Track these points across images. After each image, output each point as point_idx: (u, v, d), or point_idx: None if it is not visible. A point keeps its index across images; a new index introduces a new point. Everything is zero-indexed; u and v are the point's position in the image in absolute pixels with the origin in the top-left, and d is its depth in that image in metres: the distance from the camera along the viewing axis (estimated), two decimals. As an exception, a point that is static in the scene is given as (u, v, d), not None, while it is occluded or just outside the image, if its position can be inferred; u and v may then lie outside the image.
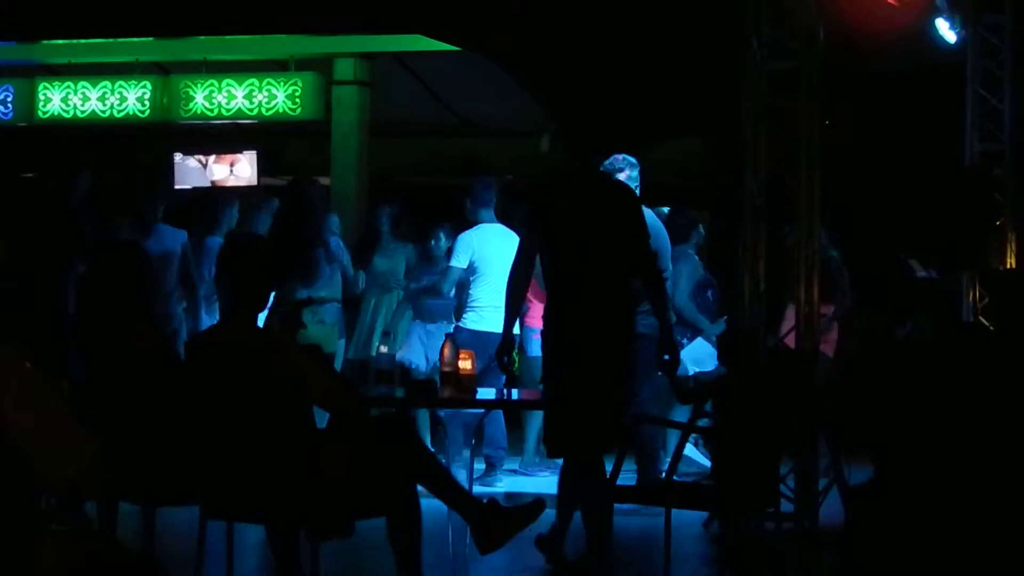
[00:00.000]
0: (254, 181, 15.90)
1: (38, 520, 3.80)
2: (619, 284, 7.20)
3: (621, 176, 8.32)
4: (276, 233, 10.37)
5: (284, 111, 14.92)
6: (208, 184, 15.67)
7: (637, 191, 8.11)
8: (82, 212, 10.25)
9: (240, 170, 15.64)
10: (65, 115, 15.52)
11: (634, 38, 14.08)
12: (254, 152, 15.74)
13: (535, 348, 9.95)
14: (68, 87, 15.52)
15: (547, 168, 8.72)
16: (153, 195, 11.06)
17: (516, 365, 10.51)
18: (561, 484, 7.67)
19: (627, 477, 8.73)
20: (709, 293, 10.76)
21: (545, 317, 7.36)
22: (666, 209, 10.89)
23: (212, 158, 15.78)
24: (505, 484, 10.48)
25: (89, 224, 10.07)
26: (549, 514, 7.88)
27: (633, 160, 8.58)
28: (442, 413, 9.22)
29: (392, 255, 11.61)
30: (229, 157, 15.78)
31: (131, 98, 15.31)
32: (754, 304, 8.79)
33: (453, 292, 10.67)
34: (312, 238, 10.29)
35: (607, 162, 8.51)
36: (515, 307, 7.56)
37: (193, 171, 15.67)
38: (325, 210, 11.30)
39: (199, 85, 15.13)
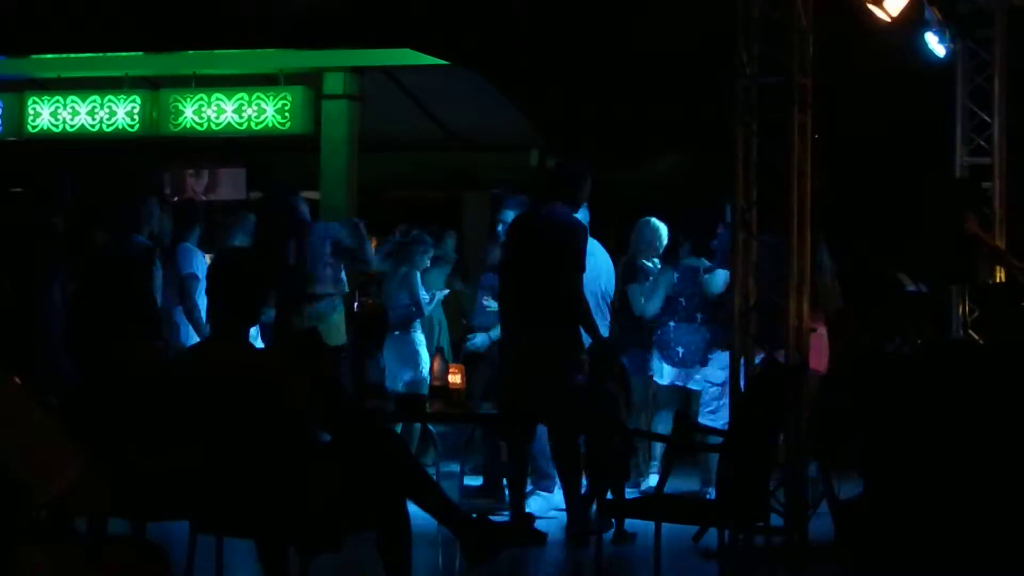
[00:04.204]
0: (243, 195, 15.90)
1: (30, 534, 3.79)
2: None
3: None
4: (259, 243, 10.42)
5: (273, 125, 14.90)
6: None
7: None
8: (68, 223, 10.23)
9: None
10: (54, 129, 15.50)
11: (626, 53, 14.10)
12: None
13: None
14: (57, 101, 15.49)
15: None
16: (134, 206, 10.97)
17: None
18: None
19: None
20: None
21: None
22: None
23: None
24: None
25: (74, 235, 10.05)
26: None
27: None
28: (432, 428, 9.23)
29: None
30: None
31: (120, 112, 15.29)
32: (745, 318, 8.79)
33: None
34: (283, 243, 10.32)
35: None
36: None
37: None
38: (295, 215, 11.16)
39: (188, 100, 15.11)
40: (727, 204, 9.65)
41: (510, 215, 9.87)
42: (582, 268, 8.86)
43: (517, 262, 8.94)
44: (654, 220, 11.00)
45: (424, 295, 11.31)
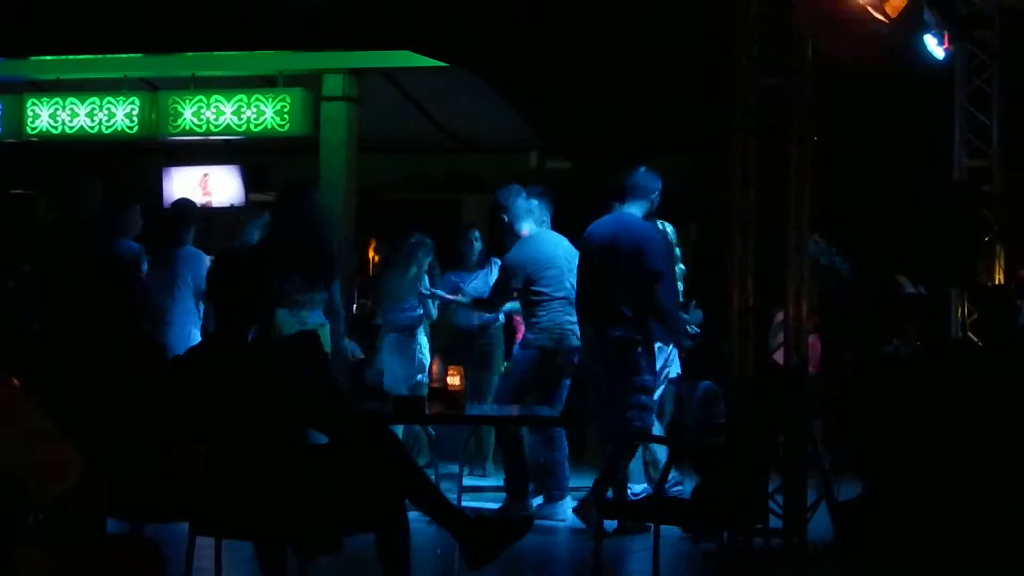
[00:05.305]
0: (242, 198, 15.88)
1: (30, 534, 3.79)
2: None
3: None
4: (277, 240, 10.18)
5: (272, 127, 14.87)
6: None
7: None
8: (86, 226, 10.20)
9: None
10: (53, 131, 15.47)
11: (626, 53, 14.10)
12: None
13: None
14: (56, 103, 15.47)
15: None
16: (121, 213, 10.91)
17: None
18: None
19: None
20: None
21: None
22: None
23: None
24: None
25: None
26: (538, 530, 7.89)
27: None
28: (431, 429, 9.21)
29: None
30: None
31: (119, 114, 15.27)
32: (743, 320, 8.78)
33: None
34: (314, 240, 10.09)
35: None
36: None
37: None
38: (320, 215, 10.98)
39: (187, 101, 15.08)
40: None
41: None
42: (662, 275, 9.07)
43: (593, 271, 9.08)
44: (659, 222, 11.01)
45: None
